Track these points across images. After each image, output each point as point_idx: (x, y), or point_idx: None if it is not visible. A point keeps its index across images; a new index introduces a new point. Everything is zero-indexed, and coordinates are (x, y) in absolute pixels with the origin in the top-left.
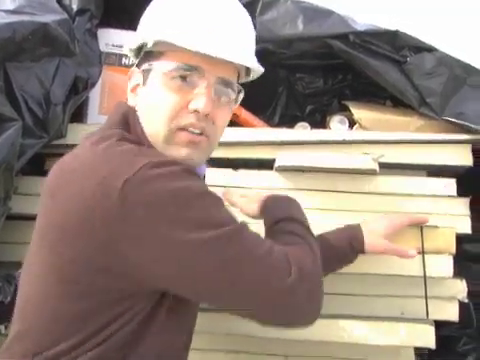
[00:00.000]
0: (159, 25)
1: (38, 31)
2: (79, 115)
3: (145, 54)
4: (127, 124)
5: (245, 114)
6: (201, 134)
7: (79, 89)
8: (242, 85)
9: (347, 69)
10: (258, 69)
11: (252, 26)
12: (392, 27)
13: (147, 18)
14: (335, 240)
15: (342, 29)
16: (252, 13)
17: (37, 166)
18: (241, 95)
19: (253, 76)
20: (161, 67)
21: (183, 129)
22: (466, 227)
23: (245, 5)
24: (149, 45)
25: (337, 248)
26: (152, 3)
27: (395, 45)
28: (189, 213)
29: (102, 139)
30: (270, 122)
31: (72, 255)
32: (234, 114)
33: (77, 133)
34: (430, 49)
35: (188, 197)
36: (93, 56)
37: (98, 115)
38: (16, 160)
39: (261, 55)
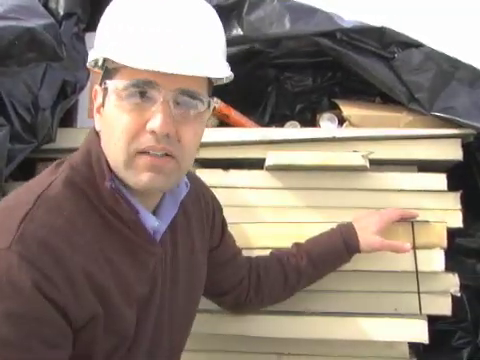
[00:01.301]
0: (105, 40)
1: (24, 36)
2: (69, 119)
3: (104, 71)
4: (88, 152)
5: (235, 114)
6: (166, 155)
7: (67, 93)
8: (235, 85)
9: (336, 67)
10: (223, 76)
11: (215, 27)
12: (378, 24)
13: (98, 31)
14: (329, 242)
15: (329, 27)
16: (239, 13)
17: (28, 171)
18: (213, 103)
19: (226, 79)
20: (115, 85)
21: (143, 152)
22: (457, 221)
23: (232, 5)
24: (99, 62)
25: (332, 250)
26: (103, 14)
27: (382, 41)
28: None
29: (39, 178)
30: (260, 121)
31: None
32: (224, 114)
33: (67, 137)
34: (417, 45)
35: None
36: (81, 60)
37: (87, 119)
38: (5, 165)
39: (249, 55)
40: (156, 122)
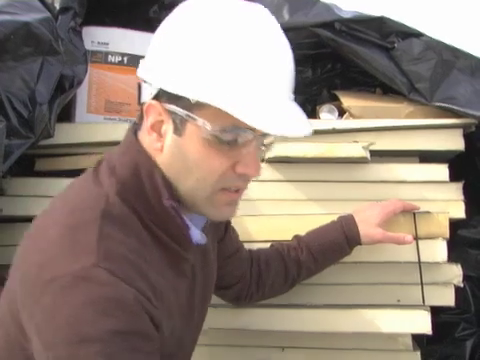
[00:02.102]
0: (209, 82)
1: (20, 30)
2: (67, 114)
3: (185, 101)
4: (136, 167)
5: None
6: (239, 189)
7: (65, 88)
8: None
9: (336, 58)
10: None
11: None
12: (378, 13)
13: (191, 64)
14: (330, 235)
15: (328, 17)
16: None
17: (27, 167)
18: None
19: None
20: (207, 124)
21: (225, 189)
22: (460, 212)
23: None
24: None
25: (333, 242)
26: (196, 37)
27: (382, 31)
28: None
29: (83, 201)
30: None
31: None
32: None
33: (65, 133)
34: (417, 34)
35: (86, 337)
36: (78, 54)
37: (86, 114)
38: (2, 161)
39: None
40: (252, 169)
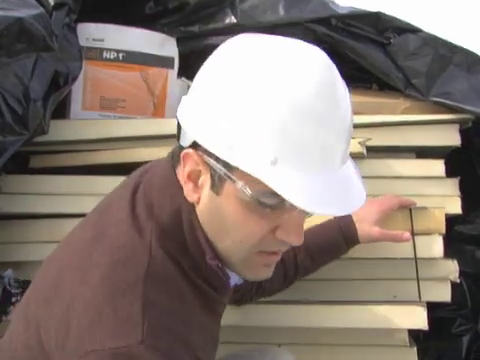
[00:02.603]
0: (257, 155)
1: (13, 26)
2: (62, 111)
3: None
4: (178, 214)
5: None
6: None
7: (60, 84)
8: None
9: (332, 54)
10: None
11: None
12: (374, 9)
13: (234, 124)
14: (327, 234)
15: (324, 13)
16: (232, 1)
17: (21, 164)
18: None
19: None
20: (246, 188)
21: (263, 251)
22: (456, 207)
23: None
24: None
25: (330, 242)
26: (240, 90)
27: (378, 27)
28: None
29: (125, 247)
30: None
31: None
32: None
33: (60, 129)
34: (413, 30)
35: None
36: (73, 51)
37: (81, 111)
38: None
39: None
40: (293, 236)
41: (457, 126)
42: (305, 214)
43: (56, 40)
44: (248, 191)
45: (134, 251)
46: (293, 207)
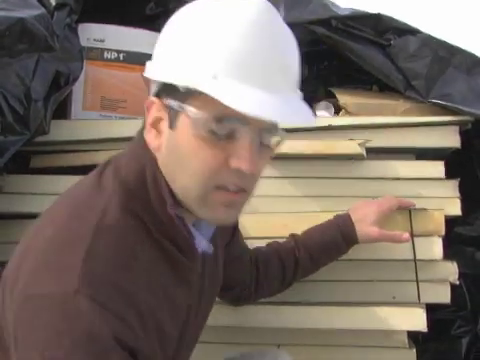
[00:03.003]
0: (199, 71)
1: (15, 26)
2: (63, 111)
3: (168, 87)
4: (142, 171)
5: None
6: (241, 190)
7: (61, 84)
8: None
9: (332, 55)
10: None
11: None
12: (374, 10)
13: (180, 51)
14: (327, 235)
15: (324, 14)
16: None
17: (22, 164)
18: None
19: None
20: (196, 114)
21: (221, 187)
22: (456, 209)
23: None
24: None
25: (330, 243)
26: (188, 26)
27: (378, 28)
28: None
29: (85, 204)
30: None
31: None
32: None
33: (61, 129)
34: (414, 31)
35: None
36: (74, 51)
37: (82, 111)
38: None
39: None
40: (245, 163)
41: (457, 128)
42: (256, 141)
43: (57, 40)
44: (199, 115)
45: (91, 207)
46: (244, 135)
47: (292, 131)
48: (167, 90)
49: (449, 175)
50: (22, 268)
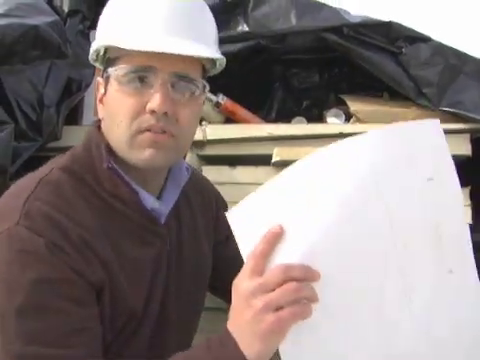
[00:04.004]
0: (105, 30)
1: (29, 33)
2: (74, 117)
3: (105, 62)
4: (89, 141)
5: (241, 111)
6: (164, 133)
7: (73, 91)
8: (241, 81)
9: (343, 62)
10: (216, 57)
11: (207, 14)
12: (386, 18)
13: (99, 24)
14: None
15: (335, 22)
16: (244, 9)
17: (34, 170)
18: (207, 86)
19: (219, 66)
20: (116, 73)
21: (144, 131)
22: (466, 217)
23: (237, 1)
24: (101, 52)
25: None
26: (104, 8)
27: (390, 36)
28: (6, 304)
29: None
30: (267, 118)
31: None
32: (230, 111)
33: (72, 135)
34: (425, 39)
35: (11, 288)
36: (86, 58)
37: (93, 117)
38: (10, 163)
39: (255, 51)
40: (155, 102)
41: (468, 136)
42: (166, 86)
43: (70, 47)
44: (116, 71)
45: (40, 170)
46: (155, 81)
47: (303, 138)
48: (104, 66)
49: (460, 183)
50: None
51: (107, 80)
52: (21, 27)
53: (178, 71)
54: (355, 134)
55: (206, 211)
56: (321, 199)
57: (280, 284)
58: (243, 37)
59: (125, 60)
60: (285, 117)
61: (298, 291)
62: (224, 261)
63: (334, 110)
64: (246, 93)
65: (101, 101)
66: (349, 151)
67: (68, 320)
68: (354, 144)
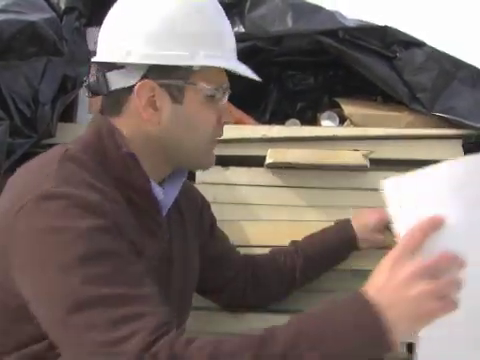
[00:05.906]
0: (200, 48)
1: (26, 30)
2: (68, 114)
3: (165, 68)
4: (98, 130)
5: (236, 112)
6: None
7: (68, 88)
8: (236, 82)
9: (338, 66)
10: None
11: None
12: (381, 23)
13: (180, 39)
14: (326, 239)
15: (331, 25)
16: (241, 10)
17: None
18: None
19: None
20: (202, 87)
21: (216, 139)
22: None
23: (234, 2)
24: (193, 67)
25: (329, 247)
26: (161, 13)
27: (385, 41)
28: (66, 256)
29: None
30: (261, 119)
31: None
32: None
33: (67, 132)
34: (420, 44)
35: (68, 239)
36: (82, 55)
37: (88, 114)
38: (4, 159)
39: (251, 52)
40: (228, 117)
41: (460, 141)
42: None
43: (66, 44)
44: (207, 86)
45: (53, 151)
46: (225, 97)
47: (296, 140)
48: (161, 72)
49: None
50: (13, 190)
51: (182, 89)
52: (19, 23)
53: None
54: (348, 137)
55: (192, 212)
56: None
57: (445, 273)
58: (239, 38)
59: (209, 75)
60: (279, 119)
61: (459, 285)
62: (209, 261)
63: (328, 113)
64: (241, 94)
65: (151, 105)
66: None
67: (132, 262)
68: None
